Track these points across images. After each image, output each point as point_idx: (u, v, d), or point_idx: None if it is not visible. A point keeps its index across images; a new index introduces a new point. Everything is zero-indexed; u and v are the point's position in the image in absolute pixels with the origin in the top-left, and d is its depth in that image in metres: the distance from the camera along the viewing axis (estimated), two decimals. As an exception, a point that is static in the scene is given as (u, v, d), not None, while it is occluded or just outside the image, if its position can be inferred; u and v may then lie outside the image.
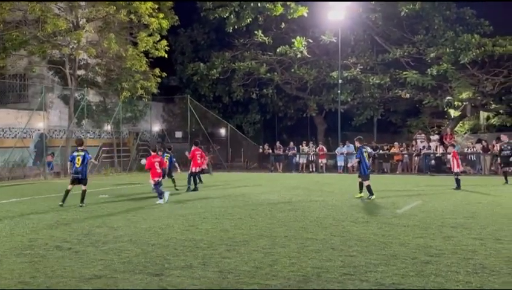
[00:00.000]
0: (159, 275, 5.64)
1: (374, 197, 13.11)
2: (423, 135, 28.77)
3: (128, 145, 32.16)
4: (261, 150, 31.75)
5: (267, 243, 7.43)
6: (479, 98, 29.08)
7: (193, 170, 16.48)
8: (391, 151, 27.56)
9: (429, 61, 27.98)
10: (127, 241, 7.67)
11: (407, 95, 29.12)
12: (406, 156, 27.04)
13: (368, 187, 13.32)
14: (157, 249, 7.06)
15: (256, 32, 31.08)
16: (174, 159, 17.77)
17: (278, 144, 30.75)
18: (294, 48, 29.98)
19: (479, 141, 27.25)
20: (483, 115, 35.72)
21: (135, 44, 27.33)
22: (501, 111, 30.47)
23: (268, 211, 11.15)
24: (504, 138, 20.38)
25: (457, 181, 16.08)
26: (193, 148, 17.05)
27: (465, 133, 34.98)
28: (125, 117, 30.57)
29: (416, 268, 5.86)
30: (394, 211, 10.90)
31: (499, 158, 20.06)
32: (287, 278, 5.49)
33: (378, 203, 12.35)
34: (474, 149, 25.87)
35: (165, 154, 16.96)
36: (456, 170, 16.45)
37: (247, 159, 33.55)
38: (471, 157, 25.85)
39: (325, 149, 29.05)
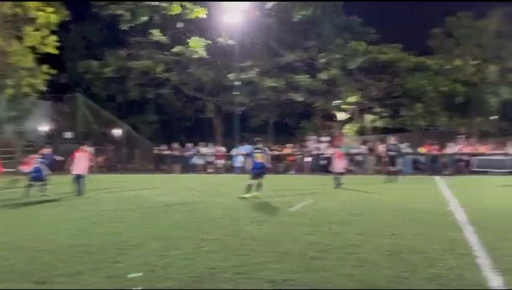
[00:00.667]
0: (44, 283, 5.32)
1: (248, 196, 13.43)
2: (315, 136, 30.10)
3: (13, 146, 29.87)
4: (157, 151, 31.18)
5: (161, 245, 7.31)
6: (365, 102, 31.09)
7: (76, 173, 15.06)
8: (284, 152, 28.47)
9: (320, 66, 29.38)
10: (10, 249, 7.13)
11: (300, 98, 30.32)
12: (298, 156, 28.07)
13: (249, 186, 13.68)
14: (44, 256, 6.64)
15: (152, 31, 30.52)
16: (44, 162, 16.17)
17: (175, 144, 30.42)
18: (191, 48, 29.88)
19: (365, 142, 29.13)
20: (369, 118, 38.25)
21: (21, 39, 25.51)
22: (385, 114, 32.84)
23: (164, 213, 11.00)
24: (392, 139, 21.93)
25: (337, 180, 16.97)
26: (78, 149, 15.86)
27: (353, 135, 37.18)
28: (10, 116, 28.41)
29: (306, 264, 6.11)
30: (287, 210, 11.27)
31: (386, 158, 21.39)
32: (181, 280, 5.45)
33: (273, 203, 12.69)
34: (360, 150, 27.56)
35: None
36: (337, 170, 17.39)
37: (142, 161, 32.76)
38: (357, 158, 27.47)
39: (223, 150, 29.28)
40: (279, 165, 28.21)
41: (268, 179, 14.92)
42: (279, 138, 33.51)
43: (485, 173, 23.94)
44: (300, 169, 27.86)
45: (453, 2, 32.39)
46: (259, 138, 15.15)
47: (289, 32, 31.32)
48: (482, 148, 25.75)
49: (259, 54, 32.21)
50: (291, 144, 28.60)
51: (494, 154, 25.21)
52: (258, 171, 13.93)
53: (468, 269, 5.78)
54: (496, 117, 35.84)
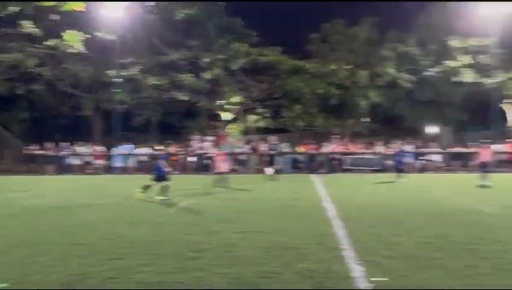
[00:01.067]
0: None
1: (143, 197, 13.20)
2: (199, 136, 30.06)
3: None
4: (28, 151, 28.92)
5: (27, 252, 6.79)
6: (248, 102, 31.75)
7: None
8: (167, 151, 28.02)
9: (203, 65, 29.43)
10: None
11: (184, 97, 30.10)
12: (182, 156, 27.82)
13: (147, 186, 13.47)
14: None
15: (22, 22, 28.22)
16: None
17: (48, 144, 28.45)
18: (66, 42, 28.15)
19: (248, 142, 29.74)
20: (252, 118, 39.13)
21: None
22: (267, 115, 33.81)
23: (32, 217, 10.23)
24: (273, 139, 22.59)
25: (221, 180, 17.16)
26: None
27: (237, 134, 37.75)
28: None
29: (182, 264, 6.06)
30: (167, 211, 11.10)
31: (267, 157, 21.95)
32: (48, 286, 5.10)
33: (152, 203, 12.42)
34: (244, 149, 28.09)
35: None
36: (220, 170, 17.58)
37: (12, 161, 30.18)
38: (240, 157, 27.94)
39: (102, 150, 28.03)
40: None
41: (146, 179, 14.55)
42: (163, 138, 32.95)
43: (356, 171, 25.70)
44: (184, 169, 27.64)
45: (327, 9, 34.48)
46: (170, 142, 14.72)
47: (172, 31, 30.91)
48: (353, 148, 27.57)
49: (141, 51, 31.36)
50: (175, 144, 28.26)
51: (364, 154, 27.13)
52: (161, 176, 13.57)
53: (336, 262, 6.14)
54: (367, 119, 38.71)
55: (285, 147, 26.57)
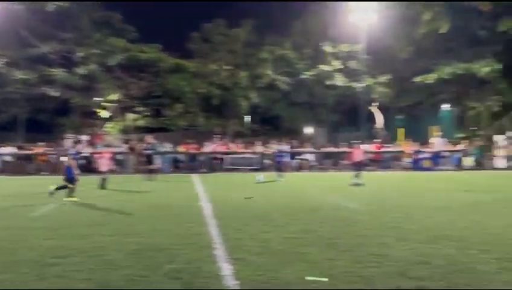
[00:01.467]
0: None
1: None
2: (71, 134, 28.40)
3: None
4: None
5: None
6: (126, 100, 30.69)
7: None
8: (35, 151, 26.12)
9: (78, 60, 27.88)
10: None
11: (55, 93, 28.24)
12: (53, 156, 26.06)
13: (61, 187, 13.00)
14: None
15: None
16: None
17: None
18: None
19: (127, 141, 28.76)
20: (130, 116, 37.92)
21: None
22: (147, 113, 32.98)
23: None
24: (149, 138, 22.03)
25: (103, 181, 16.44)
26: None
27: (116, 133, 36.33)
28: None
29: (40, 272, 5.60)
30: (29, 215, 10.25)
31: (143, 157, 21.38)
32: None
33: (13, 207, 11.42)
34: (121, 149, 27.11)
35: None
36: (102, 169, 16.83)
37: None
38: (118, 157, 26.91)
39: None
40: (30, 166, 25.75)
41: (10, 181, 13.42)
42: (33, 136, 30.62)
43: (237, 170, 26.10)
44: (55, 170, 25.90)
45: (208, 9, 34.64)
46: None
47: (42, 22, 28.78)
48: (234, 147, 27.96)
49: (6, 42, 28.78)
50: (44, 143, 26.36)
51: (244, 153, 27.66)
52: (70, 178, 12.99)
53: (206, 261, 6.08)
54: (247, 119, 39.54)
55: (164, 147, 26.11)
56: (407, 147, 28.56)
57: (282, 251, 6.61)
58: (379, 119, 32.52)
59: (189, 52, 32.51)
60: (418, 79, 31.81)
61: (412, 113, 38.63)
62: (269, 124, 40.43)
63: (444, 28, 29.50)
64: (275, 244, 7.03)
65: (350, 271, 5.57)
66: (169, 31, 39.73)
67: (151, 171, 20.51)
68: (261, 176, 16.07)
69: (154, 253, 6.56)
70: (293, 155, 27.58)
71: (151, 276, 5.48)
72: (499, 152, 28.79)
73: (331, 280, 5.24)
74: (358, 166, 17.68)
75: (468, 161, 28.36)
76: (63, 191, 12.93)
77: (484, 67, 29.54)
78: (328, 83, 31.03)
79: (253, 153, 27.53)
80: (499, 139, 29.47)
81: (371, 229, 8.27)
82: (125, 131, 38.63)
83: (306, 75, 30.95)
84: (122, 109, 31.58)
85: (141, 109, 32.25)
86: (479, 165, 27.47)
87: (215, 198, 12.94)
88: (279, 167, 20.46)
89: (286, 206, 11.30)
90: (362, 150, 19.23)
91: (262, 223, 8.90)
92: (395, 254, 6.41)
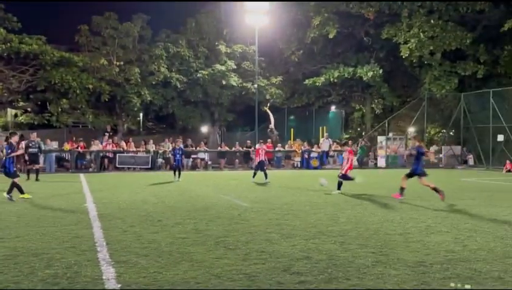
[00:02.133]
0: None
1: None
2: None
3: None
4: None
5: None
6: (5, 94, 28.39)
7: None
8: None
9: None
10: None
11: None
12: None
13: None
14: None
15: None
16: None
17: None
18: None
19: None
20: (11, 112, 35.22)
21: None
22: (29, 109, 30.77)
23: None
24: (33, 136, 20.56)
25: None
26: None
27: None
28: None
29: None
30: None
31: (25, 155, 19.90)
32: None
33: None
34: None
35: None
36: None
37: None
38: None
39: None
40: None
41: None
42: None
43: (128, 169, 25.35)
44: None
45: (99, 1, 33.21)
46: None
47: None
48: (125, 146, 27.07)
49: None
50: None
51: (137, 152, 26.90)
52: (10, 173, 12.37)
53: (86, 265, 5.79)
54: (140, 117, 38.55)
55: (49, 145, 24.54)
56: (297, 146, 29.64)
57: (168, 252, 6.49)
58: (272, 119, 33.36)
59: (76, 45, 30.83)
60: (308, 81, 33.11)
61: (303, 114, 40.25)
62: (164, 123, 39.75)
63: (332, 33, 31.01)
64: (162, 245, 6.88)
65: (237, 269, 5.61)
66: (56, 23, 37.53)
67: (35, 171, 19.22)
68: (323, 179, 15.26)
69: (29, 258, 6.11)
70: (188, 154, 27.37)
71: (24, 282, 5.10)
72: (381, 152, 30.99)
73: (216, 279, 5.23)
74: (261, 165, 18.18)
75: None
76: None
77: (369, 72, 31.52)
78: (223, 82, 31.18)
79: (147, 151, 26.89)
80: (381, 139, 31.74)
81: (257, 226, 8.42)
82: (5, 127, 35.77)
83: (201, 74, 30.82)
84: (1, 103, 29.15)
85: (23, 104, 30.02)
86: (362, 164, 29.30)
87: (102, 199, 12.42)
88: (177, 166, 19.66)
89: (177, 206, 11.15)
90: (263, 149, 19.56)
91: (151, 223, 8.69)
92: (280, 250, 6.58)
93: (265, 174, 17.84)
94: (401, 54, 30.44)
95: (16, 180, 12.33)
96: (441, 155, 31.56)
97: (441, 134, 36.12)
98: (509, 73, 30.65)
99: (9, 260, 6.03)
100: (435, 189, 11.79)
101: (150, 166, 26.06)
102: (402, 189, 12.34)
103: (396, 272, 5.49)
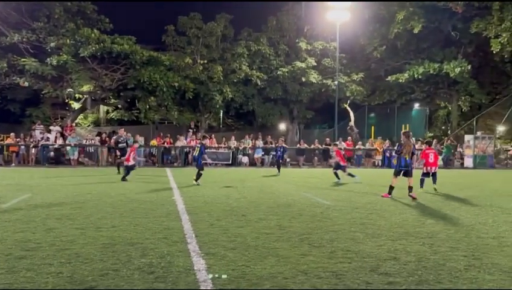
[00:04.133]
0: None
1: None
2: (42, 125, 27.83)
3: None
4: None
5: None
6: (98, 92, 30.21)
7: None
8: (5, 142, 25.53)
9: (49, 50, 27.30)
10: None
11: (26, 84, 27.59)
12: (22, 147, 25.53)
13: None
14: None
15: None
16: None
17: None
18: None
19: (99, 134, 28.35)
20: (103, 108, 37.38)
21: None
22: (119, 106, 32.53)
23: None
24: (121, 131, 21.74)
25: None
26: None
27: (88, 125, 35.82)
28: None
29: (9, 265, 5.48)
30: (-2, 207, 10.04)
31: (116, 150, 21.08)
32: None
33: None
34: (93, 141, 26.74)
35: None
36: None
37: None
38: (89, 150, 26.56)
39: None
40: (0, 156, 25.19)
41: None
42: (3, 127, 29.92)
43: (210, 164, 26.05)
44: (25, 161, 25.42)
45: (184, 1, 34.33)
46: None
47: (14, 11, 28.02)
48: (208, 142, 27.78)
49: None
50: (14, 134, 25.76)
51: (219, 148, 27.62)
52: None
53: (178, 256, 6.06)
54: (221, 113, 39.47)
55: (137, 140, 25.79)
56: (379, 145, 28.98)
57: (254, 246, 6.62)
58: (352, 117, 32.86)
59: (163, 45, 32.25)
60: (390, 78, 32.24)
61: (384, 112, 39.25)
62: (243, 119, 40.44)
63: (417, 27, 29.95)
64: (248, 240, 7.04)
65: (322, 266, 5.64)
66: (144, 23, 39.34)
67: (119, 165, 20.33)
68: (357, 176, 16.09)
69: (125, 247, 6.49)
70: (267, 151, 27.70)
71: (122, 270, 5.44)
72: (469, 152, 29.51)
73: (303, 276, 5.28)
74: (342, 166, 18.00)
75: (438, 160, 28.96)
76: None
77: (456, 68, 30.12)
78: (303, 79, 31.20)
79: (228, 148, 27.54)
80: (469, 138, 30.23)
81: (341, 224, 8.38)
82: (97, 123, 38.10)
83: (281, 71, 31.05)
84: (95, 100, 31.07)
85: (114, 101, 31.80)
86: (447, 164, 28.08)
87: (188, 193, 12.92)
88: (278, 162, 21.14)
89: (259, 202, 11.33)
90: (340, 149, 19.38)
91: (235, 218, 8.92)
92: (366, 249, 6.52)
93: (336, 174, 17.40)
94: (492, 48, 28.84)
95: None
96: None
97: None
98: None
99: (107, 248, 6.44)
100: None
101: (230, 162, 26.65)
102: None
103: (491, 277, 5.26)
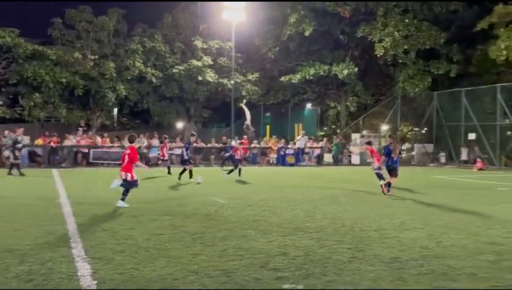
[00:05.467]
0: None
1: None
2: None
3: None
4: None
5: None
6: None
7: None
8: None
9: None
10: None
11: None
12: None
13: None
14: None
15: None
16: None
17: None
18: None
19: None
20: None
21: None
22: (0, 103, 30.03)
23: None
24: (18, 131, 20.06)
25: None
26: None
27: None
28: None
29: None
30: None
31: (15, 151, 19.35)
32: None
33: None
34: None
35: None
36: None
37: None
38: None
39: None
40: None
41: None
42: None
43: (102, 164, 24.99)
44: None
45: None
46: None
47: None
48: (100, 141, 26.69)
49: None
50: None
51: (111, 147, 26.53)
52: None
53: (61, 261, 5.72)
54: (115, 112, 38.04)
55: (20, 139, 23.98)
56: (273, 143, 29.72)
57: (145, 248, 6.46)
58: (248, 116, 33.37)
59: (50, 38, 30.25)
60: (284, 78, 33.16)
61: (279, 111, 40.37)
62: (138, 118, 39.34)
63: (308, 30, 31.11)
64: (138, 242, 6.85)
65: (214, 265, 5.61)
66: (28, 15, 36.72)
67: (12, 165, 18.82)
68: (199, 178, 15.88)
69: (4, 254, 5.99)
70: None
71: (-2, 279, 5.00)
72: (355, 149, 31.31)
73: (193, 276, 5.21)
74: (237, 162, 18.20)
75: (328, 157, 30.47)
76: None
77: (344, 70, 31.73)
78: (199, 78, 31.05)
79: (122, 146, 26.56)
80: (355, 137, 32.08)
81: (234, 222, 8.43)
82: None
83: (177, 69, 30.62)
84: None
85: (-6, 97, 29.32)
86: (337, 162, 29.60)
87: (76, 194, 12.23)
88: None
89: (154, 202, 11.05)
90: (239, 147, 19.47)
91: (127, 219, 8.63)
92: (257, 246, 6.60)
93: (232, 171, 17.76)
94: (376, 52, 30.77)
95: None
96: (412, 153, 32.11)
97: (413, 132, 36.68)
98: (481, 72, 31.32)
99: (-18, 256, 5.91)
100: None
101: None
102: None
103: (372, 268, 5.57)
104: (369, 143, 15.87)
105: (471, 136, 28.94)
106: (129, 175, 10.34)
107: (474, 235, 7.50)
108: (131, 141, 11.10)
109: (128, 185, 10.39)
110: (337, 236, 7.35)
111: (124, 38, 31.24)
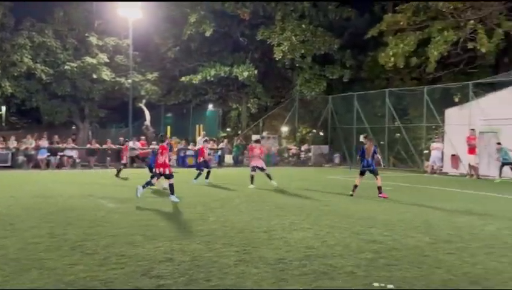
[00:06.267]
0: None
1: None
2: None
3: None
4: None
5: None
6: None
7: None
8: None
9: None
10: None
11: None
12: None
13: None
14: None
15: None
16: None
17: None
18: None
19: None
20: None
21: None
22: None
23: None
24: None
25: None
26: None
27: None
28: None
29: None
30: None
31: None
32: None
33: None
34: None
35: None
36: None
37: None
38: None
39: None
40: None
41: None
42: None
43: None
44: None
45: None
46: None
47: None
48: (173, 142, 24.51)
49: None
50: None
51: (-5, 148, 24.52)
52: None
53: None
54: (3, 110, 35.31)
55: None
56: (174, 144, 29.20)
57: (18, 259, 5.91)
58: (147, 116, 32.41)
59: None
60: (184, 79, 32.74)
61: (180, 112, 39.86)
62: (28, 117, 36.82)
63: (208, 31, 30.98)
64: (12, 251, 6.26)
65: (90, 275, 5.26)
66: None
67: None
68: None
69: None
70: (54, 152, 25.63)
71: None
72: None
73: (67, 287, 4.85)
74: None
75: (229, 158, 30.62)
76: None
77: (244, 72, 31.99)
78: (94, 76, 29.62)
79: (7, 148, 24.64)
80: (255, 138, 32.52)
81: (121, 228, 8.05)
82: None
83: (69, 66, 28.94)
84: None
85: None
86: (237, 162, 29.80)
87: None
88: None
89: (34, 207, 10.26)
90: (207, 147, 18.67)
91: (1, 227, 7.88)
92: (142, 253, 6.33)
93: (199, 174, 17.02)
94: (275, 56, 31.44)
95: None
96: (310, 154, 33.24)
97: (311, 134, 38.01)
98: (372, 78, 33.25)
99: None
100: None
101: (10, 164, 23.95)
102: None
103: (256, 271, 5.54)
104: (257, 141, 16.30)
105: (361, 138, 30.52)
106: (167, 170, 11.81)
107: (357, 234, 7.79)
108: (161, 141, 12.33)
109: (170, 177, 11.85)
110: (226, 239, 7.27)
111: (10, 32, 28.96)
